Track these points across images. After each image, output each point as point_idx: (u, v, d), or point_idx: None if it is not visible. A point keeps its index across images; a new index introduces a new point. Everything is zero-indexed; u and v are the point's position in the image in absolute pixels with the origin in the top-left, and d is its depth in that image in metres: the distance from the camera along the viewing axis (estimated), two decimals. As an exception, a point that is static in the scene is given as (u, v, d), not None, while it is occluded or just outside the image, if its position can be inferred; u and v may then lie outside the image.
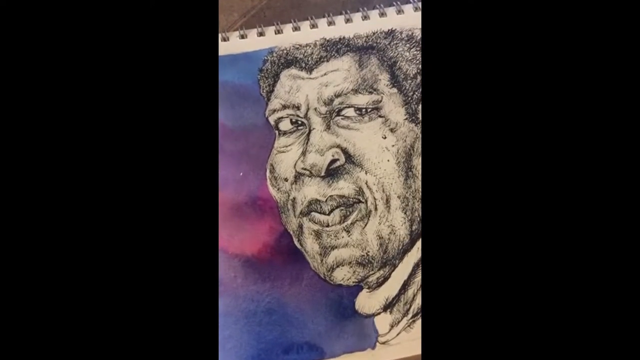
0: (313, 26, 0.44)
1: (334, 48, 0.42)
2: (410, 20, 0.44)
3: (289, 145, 0.40)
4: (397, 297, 0.38)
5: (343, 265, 0.38)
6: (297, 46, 0.43)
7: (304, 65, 0.42)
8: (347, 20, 0.44)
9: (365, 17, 0.44)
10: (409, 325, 0.38)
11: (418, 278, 0.38)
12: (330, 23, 0.44)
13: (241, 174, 0.40)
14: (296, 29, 0.44)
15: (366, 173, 0.39)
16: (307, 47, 0.42)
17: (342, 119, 0.40)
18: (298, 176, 0.39)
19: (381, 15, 0.44)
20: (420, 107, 0.41)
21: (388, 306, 0.38)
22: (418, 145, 0.40)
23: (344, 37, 0.43)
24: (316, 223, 0.39)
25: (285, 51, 0.42)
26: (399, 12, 0.44)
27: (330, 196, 0.38)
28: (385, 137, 0.40)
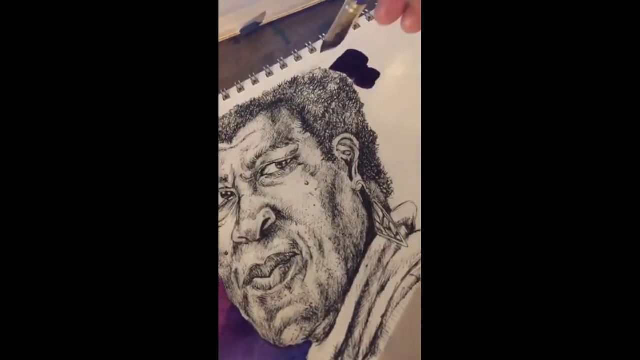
0: (226, 97, 0.45)
1: (247, 112, 0.44)
2: (308, 63, 0.44)
3: (224, 218, 0.41)
4: (345, 343, 0.37)
5: (290, 325, 0.38)
6: (215, 121, 0.44)
7: (224, 137, 0.43)
8: (254, 82, 0.45)
9: (269, 74, 0.45)
10: (361, 369, 0.37)
11: (362, 317, 0.37)
12: (240, 89, 0.45)
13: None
14: (212, 105, 0.45)
15: (296, 224, 0.39)
16: (224, 119, 0.44)
17: (266, 177, 0.40)
18: (236, 246, 0.40)
19: (282, 67, 0.45)
20: (334, 143, 0.41)
21: (338, 354, 0.37)
22: (338, 182, 0.40)
23: (254, 99, 0.44)
24: (259, 288, 0.39)
25: (204, 130, 0.44)
26: (298, 58, 0.45)
27: (269, 257, 0.39)
28: (307, 183, 0.40)
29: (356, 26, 0.45)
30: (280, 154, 0.41)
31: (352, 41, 0.43)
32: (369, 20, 0.45)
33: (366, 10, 0.45)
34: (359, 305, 0.37)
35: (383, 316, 0.36)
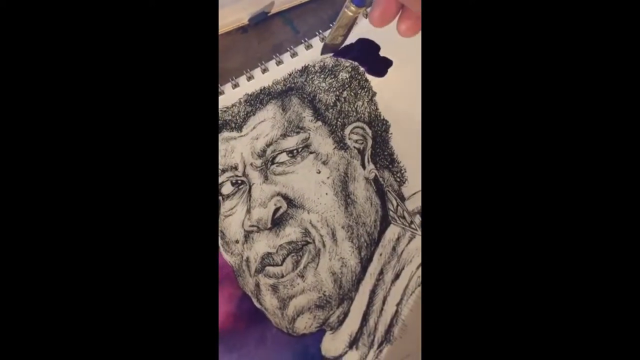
0: (235, 86, 0.45)
1: (257, 100, 0.43)
2: (319, 51, 0.44)
3: (234, 207, 0.41)
4: (359, 331, 0.37)
5: (303, 313, 0.38)
6: (224, 109, 0.44)
7: (233, 125, 0.43)
8: (264, 71, 0.45)
9: (279, 62, 0.45)
10: (376, 357, 0.36)
11: (376, 306, 0.37)
12: (249, 78, 0.45)
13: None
14: (221, 92, 0.45)
15: (309, 212, 0.39)
16: (234, 107, 0.44)
17: (277, 166, 0.40)
18: (247, 235, 0.40)
19: (292, 55, 0.45)
20: (346, 131, 0.41)
21: (353, 342, 0.37)
22: (351, 171, 0.40)
23: (264, 87, 0.44)
24: (271, 277, 0.38)
25: (213, 118, 0.44)
26: (308, 47, 0.44)
27: (280, 245, 0.38)
28: (319, 172, 0.39)
29: (367, 15, 0.44)
30: (291, 142, 0.40)
31: (364, 30, 0.43)
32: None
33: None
34: (373, 293, 0.37)
35: (398, 304, 0.36)
